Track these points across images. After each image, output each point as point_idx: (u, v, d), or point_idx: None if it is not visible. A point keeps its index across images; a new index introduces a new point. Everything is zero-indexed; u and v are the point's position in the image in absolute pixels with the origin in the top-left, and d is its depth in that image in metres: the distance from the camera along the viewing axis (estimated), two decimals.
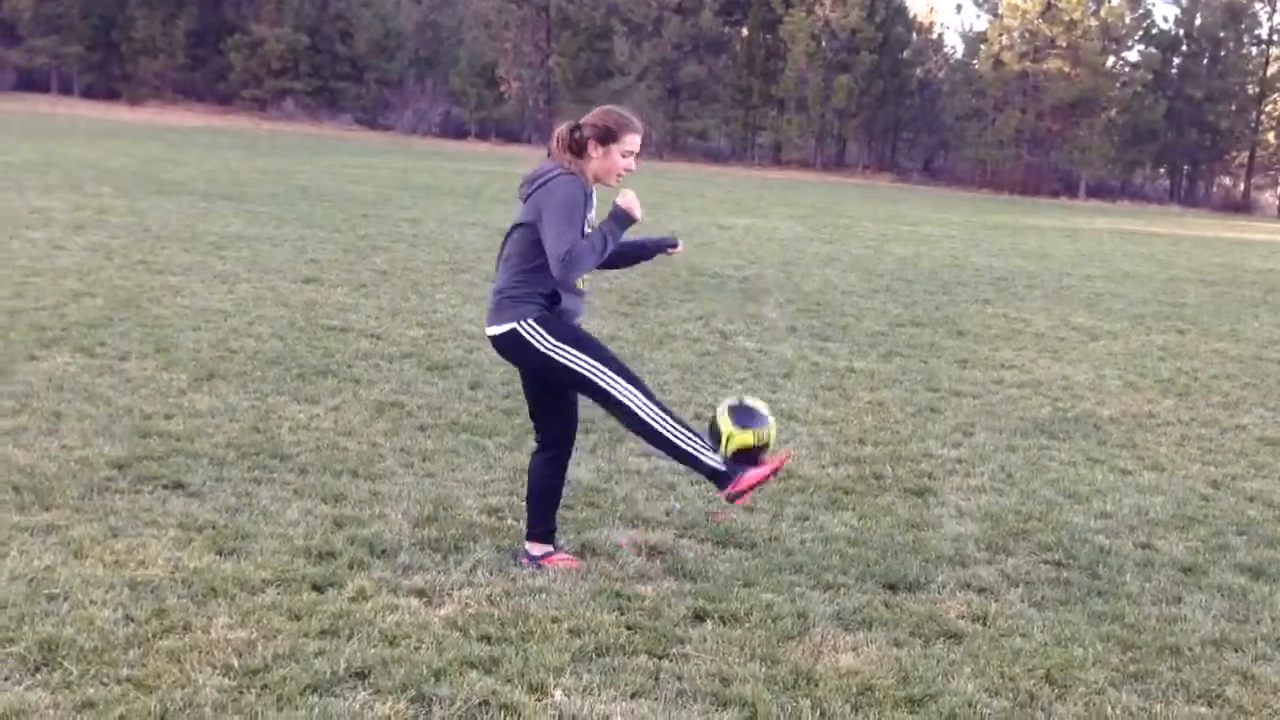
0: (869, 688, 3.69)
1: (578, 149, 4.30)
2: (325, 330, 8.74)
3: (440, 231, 16.29)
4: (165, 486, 5.05)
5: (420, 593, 4.16)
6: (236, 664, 3.52)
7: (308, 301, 9.92)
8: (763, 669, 3.78)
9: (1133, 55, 63.42)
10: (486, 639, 3.84)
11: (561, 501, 5.25)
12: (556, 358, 4.27)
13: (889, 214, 29.73)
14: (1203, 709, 3.73)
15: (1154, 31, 63.52)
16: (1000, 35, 60.21)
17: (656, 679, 3.66)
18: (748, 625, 4.10)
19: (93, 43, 61.52)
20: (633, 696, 3.55)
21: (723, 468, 4.30)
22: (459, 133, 63.83)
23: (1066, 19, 58.46)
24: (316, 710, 3.31)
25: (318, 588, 4.12)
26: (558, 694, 3.52)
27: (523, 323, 4.27)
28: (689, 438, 4.31)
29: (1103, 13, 59.52)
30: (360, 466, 5.56)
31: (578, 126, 4.31)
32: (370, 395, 6.94)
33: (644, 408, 4.28)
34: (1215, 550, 5.27)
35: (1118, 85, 60.91)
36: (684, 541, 4.92)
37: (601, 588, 4.32)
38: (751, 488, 4.29)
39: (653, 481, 5.71)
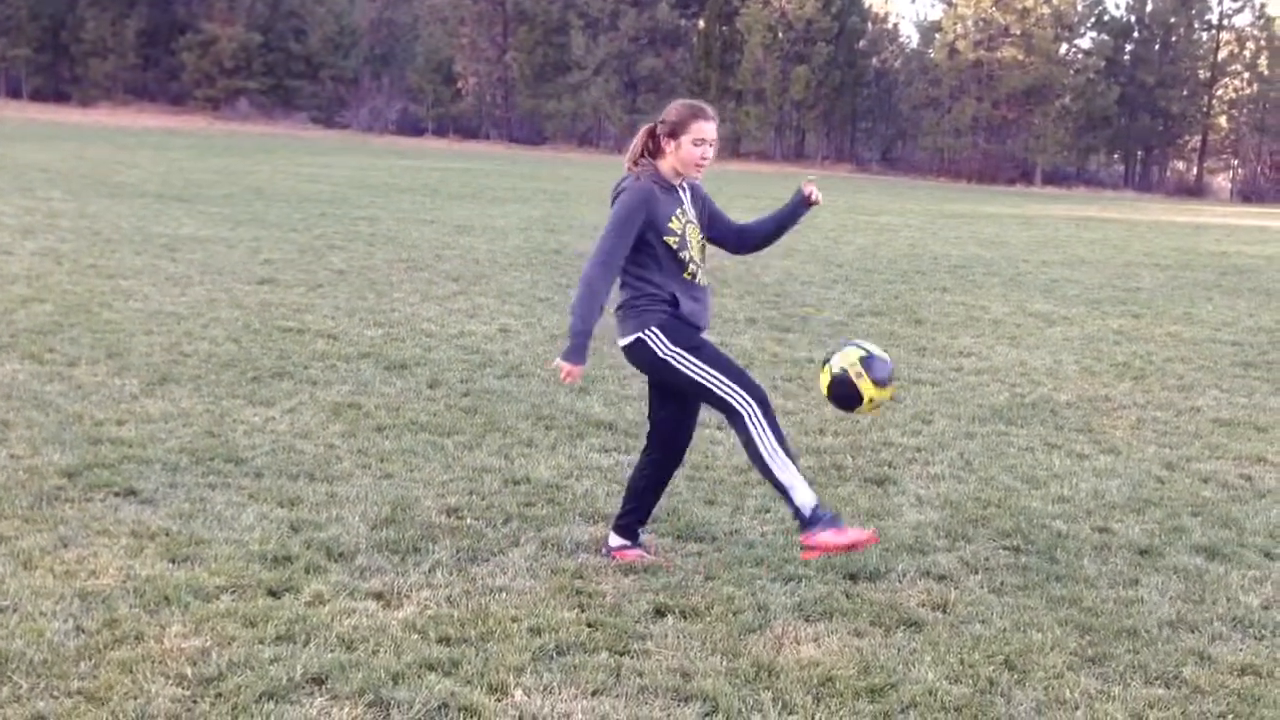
0: (830, 678, 3.69)
1: (655, 149, 4.41)
2: (281, 332, 8.65)
3: (398, 230, 16.18)
4: (117, 494, 4.97)
5: (378, 595, 4.12)
6: (190, 673, 3.46)
7: (263, 303, 9.81)
8: (724, 663, 3.77)
9: (1085, 42, 64.13)
10: (446, 640, 3.80)
11: (541, 500, 5.23)
12: (672, 363, 4.35)
13: (848, 204, 29.86)
14: (1160, 690, 3.76)
15: (1106, 18, 64.24)
16: (955, 24, 60.64)
17: (617, 676, 3.64)
18: (709, 619, 4.08)
19: (41, 44, 60.68)
20: (594, 694, 3.53)
21: (807, 514, 4.26)
22: (416, 130, 63.48)
23: (1019, 7, 58.94)
24: (272, 718, 3.26)
25: (273, 593, 4.07)
26: (518, 694, 3.49)
27: (646, 330, 4.36)
28: (787, 470, 4.27)
29: (1055, 0, 60.02)
30: (317, 469, 5.50)
31: (654, 126, 4.43)
32: (327, 396, 6.87)
33: (755, 420, 4.28)
34: (1171, 532, 5.32)
35: (1071, 72, 61.54)
36: (645, 537, 4.89)
37: (562, 585, 4.30)
38: (824, 551, 4.26)
39: (613, 478, 5.69)
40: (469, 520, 4.94)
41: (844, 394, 4.41)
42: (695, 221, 4.48)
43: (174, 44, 61.97)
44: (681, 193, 4.46)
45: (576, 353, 4.27)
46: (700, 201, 4.57)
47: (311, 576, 4.22)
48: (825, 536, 4.21)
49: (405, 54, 68.19)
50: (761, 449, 4.28)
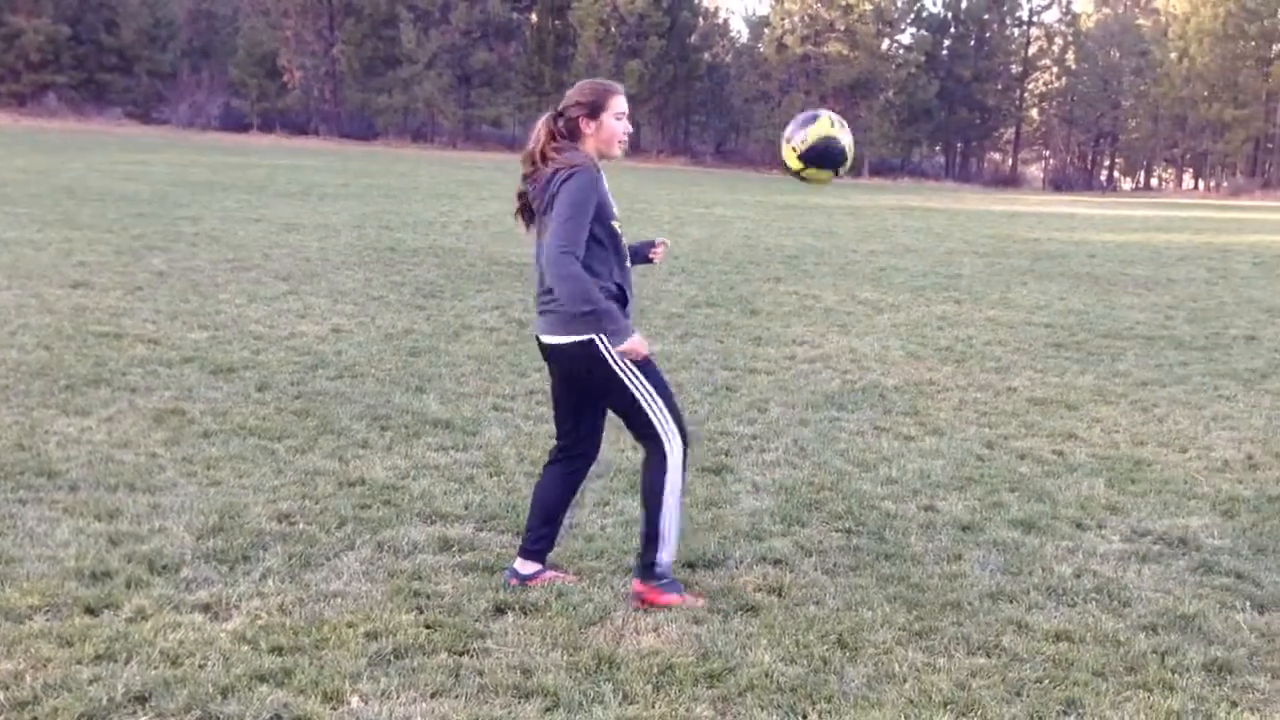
0: (670, 666, 3.73)
1: (570, 133, 4.12)
2: (96, 337, 8.26)
3: (223, 229, 15.63)
4: None
5: (205, 607, 3.97)
6: (2, 698, 3.28)
7: (76, 307, 9.35)
8: (564, 657, 3.77)
9: (906, 38, 66.40)
10: (278, 650, 3.70)
11: (377, 502, 5.13)
12: (623, 377, 4.11)
13: (684, 197, 30.21)
14: (982, 659, 3.93)
15: (925, 14, 66.68)
16: (782, 19, 61.99)
17: (457, 676, 3.60)
18: (549, 615, 4.08)
19: None
20: (433, 696, 3.48)
21: (660, 569, 4.19)
22: (240, 125, 61.36)
23: (843, 3, 60.60)
24: None
25: (91, 610, 3.89)
26: (354, 700, 3.42)
27: (602, 335, 4.07)
28: (674, 525, 4.19)
29: None
30: (138, 479, 5.27)
31: (559, 114, 4.13)
32: (148, 403, 6.59)
33: (676, 465, 4.16)
34: (991, 507, 5.57)
35: (894, 67, 63.59)
36: (484, 535, 4.86)
37: (399, 587, 4.23)
38: (652, 604, 4.18)
39: (451, 475, 5.63)
40: (301, 525, 4.81)
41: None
42: None
43: None
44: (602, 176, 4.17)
45: (621, 329, 3.98)
46: None
47: (133, 591, 4.05)
48: (665, 597, 4.19)
49: (226, 47, 65.77)
50: (666, 495, 4.17)
